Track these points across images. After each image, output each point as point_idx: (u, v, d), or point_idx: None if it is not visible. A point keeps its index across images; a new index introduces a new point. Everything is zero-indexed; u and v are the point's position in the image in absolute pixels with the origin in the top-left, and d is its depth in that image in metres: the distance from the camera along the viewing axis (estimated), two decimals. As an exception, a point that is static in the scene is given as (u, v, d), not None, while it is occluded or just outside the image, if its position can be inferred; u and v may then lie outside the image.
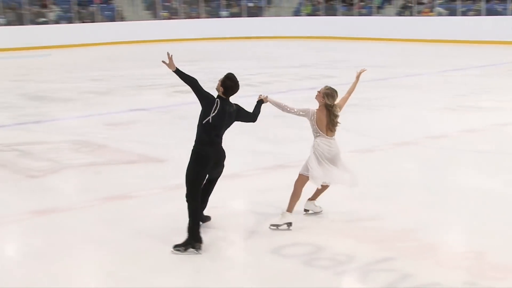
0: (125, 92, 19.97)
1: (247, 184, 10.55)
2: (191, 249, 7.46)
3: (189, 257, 7.43)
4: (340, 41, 36.67)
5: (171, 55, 7.89)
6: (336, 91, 8.45)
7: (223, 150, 8.10)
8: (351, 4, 39.28)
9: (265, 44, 36.11)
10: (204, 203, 8.25)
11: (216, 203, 9.03)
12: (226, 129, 8.20)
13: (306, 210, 8.79)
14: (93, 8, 38.96)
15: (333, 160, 8.43)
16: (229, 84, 8.03)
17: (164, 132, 14.38)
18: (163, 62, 7.94)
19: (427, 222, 8.51)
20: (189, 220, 7.64)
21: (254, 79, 22.19)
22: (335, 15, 39.45)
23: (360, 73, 9.14)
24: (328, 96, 8.41)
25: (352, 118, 15.53)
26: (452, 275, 6.89)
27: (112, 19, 39.27)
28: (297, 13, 41.52)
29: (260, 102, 8.89)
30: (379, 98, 17.87)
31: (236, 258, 7.84)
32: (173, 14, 40.28)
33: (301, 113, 8.87)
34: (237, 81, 8.10)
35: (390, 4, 38.34)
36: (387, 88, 20.10)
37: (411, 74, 23.35)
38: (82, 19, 38.57)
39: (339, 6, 39.59)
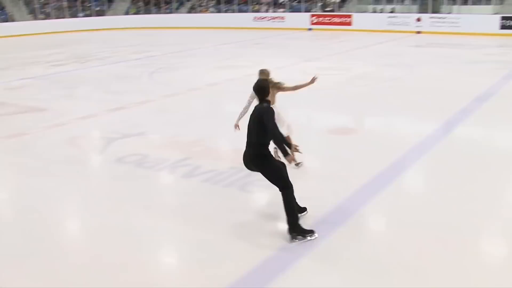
0: (18, 67, 18.06)
1: None
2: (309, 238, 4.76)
3: (67, 166, 7.02)
4: (154, 30, 35.47)
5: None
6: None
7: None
8: (160, 7, 37.95)
9: (107, 34, 34.14)
10: None
11: (79, 134, 8.57)
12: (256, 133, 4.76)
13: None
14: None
15: None
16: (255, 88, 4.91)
17: (44, 92, 13.31)
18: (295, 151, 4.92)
19: (209, 134, 8.56)
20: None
21: (101, 55, 20.98)
22: (150, 13, 38.05)
23: (314, 79, 6.38)
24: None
25: (163, 76, 15.23)
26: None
27: (5, 20, 35.37)
28: (127, 13, 39.45)
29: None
30: (179, 63, 17.56)
31: (95, 166, 7.51)
32: (47, 16, 36.91)
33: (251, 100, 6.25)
34: (260, 82, 4.93)
35: (183, 6, 37.52)
36: (183, 57, 19.74)
37: (197, 47, 23.10)
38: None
39: (153, 8, 38.17)
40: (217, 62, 17.59)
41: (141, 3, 39.39)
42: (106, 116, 10.26)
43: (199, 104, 11.22)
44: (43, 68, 17.76)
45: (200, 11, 36.48)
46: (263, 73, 6.17)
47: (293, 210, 4.74)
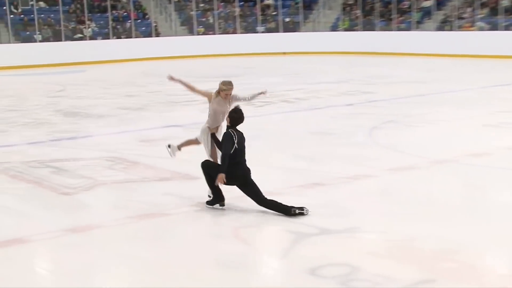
0: (159, 108, 20.03)
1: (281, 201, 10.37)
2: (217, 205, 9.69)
3: (221, 274, 7.39)
4: (378, 56, 36.50)
5: None
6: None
7: (248, 168, 9.63)
8: (390, 19, 38.95)
9: (301, 60, 36.06)
10: None
11: (250, 223, 9.01)
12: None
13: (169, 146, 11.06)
14: (129, 24, 39.05)
15: None
16: (235, 116, 9.60)
17: (198, 149, 14.27)
18: None
19: (468, 242, 8.38)
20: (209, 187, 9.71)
21: (290, 95, 22.15)
22: (373, 30, 39.20)
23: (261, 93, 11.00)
24: None
25: (391, 135, 15.45)
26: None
27: (147, 34, 39.37)
28: (334, 28, 41.29)
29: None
30: (418, 115, 17.71)
31: (271, 278, 7.77)
32: (209, 29, 40.25)
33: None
34: (242, 114, 9.64)
35: (429, 18, 37.94)
36: (426, 104, 19.89)
37: (451, 90, 23.14)
38: (117, 35, 38.76)
39: (378, 21, 39.32)
40: (486, 116, 17.36)
41: (358, 12, 40.73)
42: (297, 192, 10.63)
43: (449, 187, 11.09)
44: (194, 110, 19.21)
45: (460, 27, 36.54)
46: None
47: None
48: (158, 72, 31.29)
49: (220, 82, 10.23)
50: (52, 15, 38.16)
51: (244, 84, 25.11)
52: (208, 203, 9.81)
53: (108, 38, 38.29)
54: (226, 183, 9.39)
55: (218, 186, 9.54)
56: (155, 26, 39.80)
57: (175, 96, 22.25)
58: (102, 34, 38.62)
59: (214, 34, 39.95)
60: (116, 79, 29.02)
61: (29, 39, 36.97)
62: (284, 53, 38.65)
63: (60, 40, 37.02)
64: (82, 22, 38.34)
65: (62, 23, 37.26)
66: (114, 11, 39.37)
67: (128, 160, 13.24)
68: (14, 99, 22.95)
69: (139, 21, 39.94)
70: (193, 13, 40.23)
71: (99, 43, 37.91)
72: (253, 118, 17.82)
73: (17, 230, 9.25)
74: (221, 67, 32.43)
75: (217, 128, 10.29)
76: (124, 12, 39.85)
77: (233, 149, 9.39)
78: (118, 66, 34.95)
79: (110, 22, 38.57)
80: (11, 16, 36.66)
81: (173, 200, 10.41)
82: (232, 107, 10.03)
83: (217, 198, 9.71)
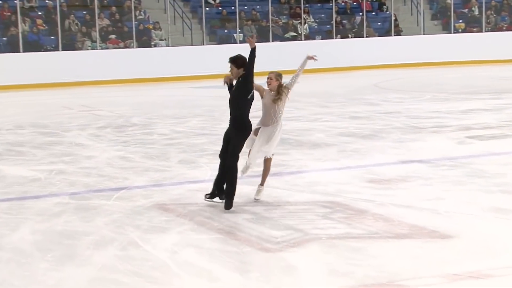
0: (397, 136, 19.88)
1: None
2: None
3: None
4: None
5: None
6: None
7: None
8: None
9: None
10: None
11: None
12: None
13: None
14: (359, 17, 39.05)
15: None
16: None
17: (451, 195, 14.06)
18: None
19: None
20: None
21: None
22: None
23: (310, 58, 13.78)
24: (281, 77, 13.18)
25: None
26: None
27: (384, 33, 39.25)
28: None
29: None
30: None
31: None
32: (472, 24, 39.42)
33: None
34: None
35: None
36: None
37: None
38: (343, 34, 38.87)
39: None
40: None
41: None
42: None
43: None
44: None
45: None
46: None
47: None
48: (397, 84, 31.31)
49: None
50: (258, 7, 38.96)
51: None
52: (206, 195, 13.09)
53: (331, 38, 38.50)
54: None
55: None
56: (395, 20, 39.63)
57: (421, 120, 22.12)
58: (322, 32, 38.87)
59: (480, 31, 39.31)
60: (337, 94, 29.17)
61: (228, 39, 38.01)
62: None
63: (268, 41, 37.62)
64: (296, 16, 38.78)
65: (270, 17, 37.91)
66: (340, 0, 39.38)
67: (352, 207, 13.20)
68: (204, 119, 23.68)
69: (373, 13, 39.97)
70: (450, 1, 39.59)
71: (318, 44, 38.00)
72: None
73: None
74: (489, 79, 31.89)
75: (257, 130, 12.97)
76: (354, 2, 39.80)
77: (250, 95, 12.49)
78: (342, 76, 35.19)
79: (334, 16, 38.78)
80: (207, 9, 37.74)
81: (413, 267, 10.16)
82: (289, 93, 13.17)
83: (218, 191, 12.99)
